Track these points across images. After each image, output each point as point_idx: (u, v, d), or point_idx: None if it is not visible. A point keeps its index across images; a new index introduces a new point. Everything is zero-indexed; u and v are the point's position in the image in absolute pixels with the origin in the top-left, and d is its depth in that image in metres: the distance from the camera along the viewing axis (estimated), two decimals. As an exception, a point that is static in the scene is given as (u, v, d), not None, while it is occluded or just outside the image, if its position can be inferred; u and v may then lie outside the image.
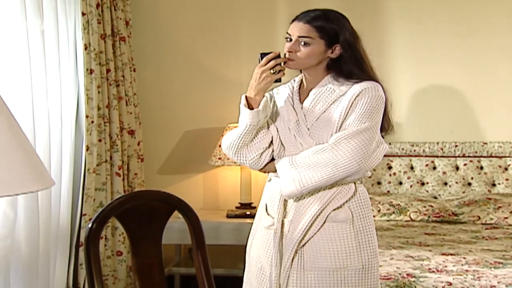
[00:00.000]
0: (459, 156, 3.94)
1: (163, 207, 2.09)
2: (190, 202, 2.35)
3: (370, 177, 3.88)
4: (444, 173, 3.95)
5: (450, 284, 2.30)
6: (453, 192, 3.90)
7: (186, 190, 4.07)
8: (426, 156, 3.99)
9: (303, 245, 1.93)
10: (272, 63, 1.91)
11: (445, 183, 3.95)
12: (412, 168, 4.02)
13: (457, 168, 3.94)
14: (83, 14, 3.26)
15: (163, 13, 4.12)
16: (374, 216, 3.62)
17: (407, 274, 2.40)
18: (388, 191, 3.98)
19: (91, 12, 3.30)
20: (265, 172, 2.03)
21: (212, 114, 4.06)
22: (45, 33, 2.94)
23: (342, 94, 1.94)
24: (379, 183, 4.02)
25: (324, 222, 1.91)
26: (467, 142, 3.92)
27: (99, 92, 3.35)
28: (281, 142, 1.97)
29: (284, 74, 1.95)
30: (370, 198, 3.71)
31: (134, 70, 3.80)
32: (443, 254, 2.76)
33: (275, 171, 1.97)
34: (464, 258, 2.66)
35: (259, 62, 1.93)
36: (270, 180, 2.06)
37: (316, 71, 2.00)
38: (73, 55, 3.30)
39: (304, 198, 1.93)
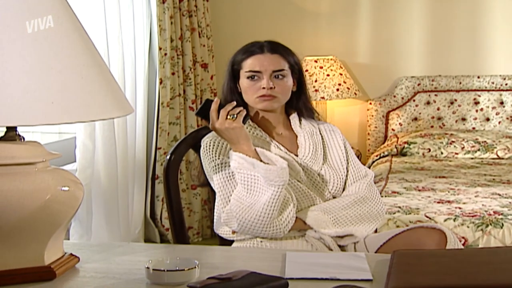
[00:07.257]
0: (555, 91, 3.64)
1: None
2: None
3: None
4: (537, 108, 3.67)
5: (544, 224, 2.16)
6: (546, 129, 3.63)
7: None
8: (519, 90, 3.71)
9: None
10: (223, 113, 1.58)
11: (538, 120, 3.68)
12: (502, 103, 3.75)
13: (553, 104, 3.66)
14: None
15: None
16: (457, 154, 3.46)
17: (494, 212, 2.31)
18: (474, 128, 3.75)
19: None
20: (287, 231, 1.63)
21: (288, 45, 3.90)
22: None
23: (321, 138, 1.79)
24: (463, 119, 3.79)
25: None
26: None
27: (171, 23, 3.27)
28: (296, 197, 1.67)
29: (244, 110, 1.62)
30: (453, 134, 3.53)
31: (207, 0, 3.69)
32: (534, 193, 2.59)
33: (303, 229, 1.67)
34: (558, 197, 2.49)
35: (206, 122, 1.62)
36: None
37: (280, 109, 1.75)
38: (145, -16, 3.23)
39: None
